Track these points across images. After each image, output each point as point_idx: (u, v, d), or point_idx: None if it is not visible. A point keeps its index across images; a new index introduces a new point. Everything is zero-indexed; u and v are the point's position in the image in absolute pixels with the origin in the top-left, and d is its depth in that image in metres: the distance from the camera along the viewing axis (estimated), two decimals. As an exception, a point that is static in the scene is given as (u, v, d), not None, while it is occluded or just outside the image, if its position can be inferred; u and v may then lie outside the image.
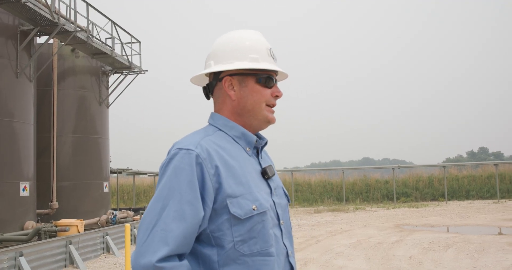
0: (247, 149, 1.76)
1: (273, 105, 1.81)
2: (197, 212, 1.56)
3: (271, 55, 1.81)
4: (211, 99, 1.86)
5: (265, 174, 1.76)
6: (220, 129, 1.76)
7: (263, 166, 1.78)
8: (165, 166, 1.62)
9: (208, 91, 1.84)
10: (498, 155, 66.68)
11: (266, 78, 1.77)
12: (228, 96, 1.77)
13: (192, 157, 1.59)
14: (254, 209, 1.62)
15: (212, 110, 1.85)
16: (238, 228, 1.60)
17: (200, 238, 1.61)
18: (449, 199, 26.75)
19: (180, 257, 1.56)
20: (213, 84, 1.81)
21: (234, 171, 1.65)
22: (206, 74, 1.86)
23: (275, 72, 1.81)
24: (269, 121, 1.81)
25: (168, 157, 1.63)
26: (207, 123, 1.82)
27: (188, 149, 1.61)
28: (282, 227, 1.75)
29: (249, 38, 1.81)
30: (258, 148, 1.81)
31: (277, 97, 1.81)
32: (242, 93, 1.76)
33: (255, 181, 1.70)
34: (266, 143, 1.86)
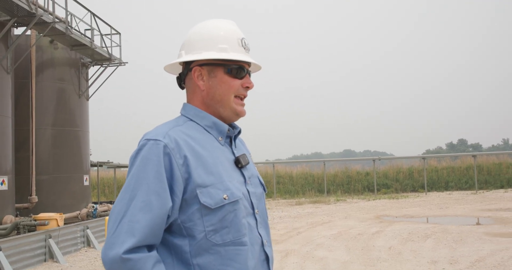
0: (220, 138, 1.76)
1: (244, 96, 1.80)
2: (164, 203, 1.55)
3: (243, 46, 1.79)
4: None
5: (238, 163, 1.75)
6: (191, 119, 1.76)
7: (237, 155, 1.77)
8: (134, 157, 1.62)
9: (181, 80, 1.84)
10: (477, 147, 67.64)
11: (236, 68, 1.75)
12: (198, 86, 1.77)
13: (159, 148, 1.59)
14: (225, 198, 1.62)
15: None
16: (209, 218, 1.60)
17: (172, 229, 1.61)
18: (428, 190, 27.07)
19: (150, 248, 1.55)
20: (184, 74, 1.81)
21: (204, 160, 1.64)
22: (180, 63, 1.85)
23: (248, 63, 1.79)
24: (238, 114, 1.79)
25: (137, 148, 1.64)
26: (179, 114, 1.82)
27: (156, 140, 1.61)
28: (257, 216, 1.75)
29: (220, 28, 1.79)
30: (231, 137, 1.80)
31: (247, 88, 1.79)
32: (210, 84, 1.75)
33: (227, 170, 1.69)
34: (239, 132, 1.85)
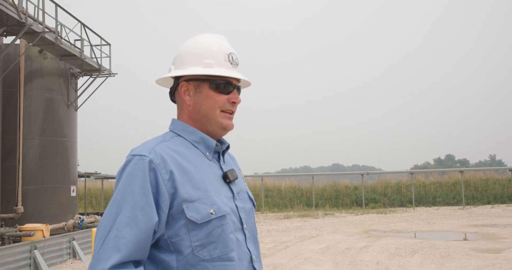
0: (207, 153, 1.75)
1: (231, 111, 1.79)
2: (150, 218, 1.54)
3: (229, 61, 1.78)
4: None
5: (226, 178, 1.74)
6: (178, 135, 1.75)
7: (225, 170, 1.76)
8: (120, 172, 1.62)
9: (171, 95, 1.85)
10: (464, 163, 68.07)
11: (221, 84, 1.74)
12: (184, 101, 1.77)
13: (145, 163, 1.59)
14: (212, 213, 1.61)
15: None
16: (196, 233, 1.59)
17: (159, 244, 1.60)
18: (416, 205, 27.16)
19: (137, 264, 1.54)
20: (173, 89, 1.82)
21: (190, 175, 1.64)
22: (172, 77, 1.84)
23: (237, 78, 1.78)
24: (225, 128, 1.78)
25: (123, 164, 1.63)
26: (168, 130, 1.82)
27: (141, 155, 1.61)
28: (245, 231, 1.73)
29: (207, 43, 1.79)
30: (219, 153, 1.80)
31: (234, 103, 1.78)
32: (196, 99, 1.75)
33: (214, 185, 1.69)
34: (228, 147, 1.85)
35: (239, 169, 1.93)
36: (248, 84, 1.92)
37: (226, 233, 1.63)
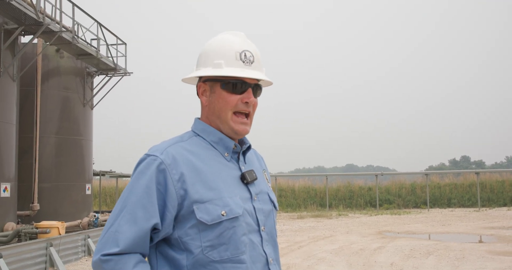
0: (226, 154, 1.75)
1: (247, 112, 1.75)
2: (150, 217, 1.57)
3: (241, 59, 1.73)
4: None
5: (244, 179, 1.73)
6: (198, 135, 1.77)
7: (243, 171, 1.75)
8: (134, 170, 1.67)
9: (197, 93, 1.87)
10: (480, 164, 67.42)
11: (232, 83, 1.71)
12: (202, 102, 1.80)
13: (154, 164, 1.62)
14: (223, 215, 1.61)
15: (197, 111, 1.88)
16: (206, 234, 1.60)
17: (171, 242, 1.62)
18: (431, 207, 26.94)
19: (136, 255, 1.60)
20: (196, 88, 1.84)
21: (203, 176, 1.64)
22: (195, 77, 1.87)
23: (244, 78, 1.73)
24: (236, 132, 1.75)
25: (137, 162, 1.68)
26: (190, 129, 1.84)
27: (153, 155, 1.64)
28: (262, 233, 1.72)
29: (219, 42, 1.77)
30: (238, 153, 1.79)
31: (247, 103, 1.73)
32: (211, 99, 1.76)
33: (229, 186, 1.68)
34: (249, 148, 1.83)
35: (263, 170, 1.91)
36: (269, 82, 1.86)
37: (238, 235, 1.63)
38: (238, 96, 1.72)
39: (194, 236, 1.59)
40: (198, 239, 1.59)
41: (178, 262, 1.60)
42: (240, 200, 1.67)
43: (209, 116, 1.78)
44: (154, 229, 1.60)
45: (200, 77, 1.80)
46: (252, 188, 1.74)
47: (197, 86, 1.83)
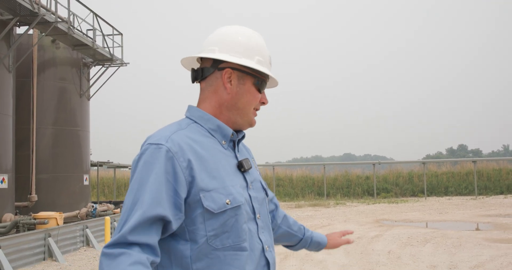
0: (223, 142, 1.74)
1: (258, 110, 1.83)
2: (162, 209, 1.53)
3: (270, 63, 1.83)
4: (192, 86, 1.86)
5: (241, 167, 1.74)
6: (195, 122, 1.74)
7: (240, 159, 1.76)
8: (136, 161, 1.62)
9: (201, 75, 1.78)
10: (477, 153, 67.65)
11: (263, 83, 1.78)
12: (224, 88, 1.74)
13: (161, 152, 1.57)
14: (227, 203, 1.61)
15: (192, 102, 1.83)
16: (212, 223, 1.59)
17: (175, 232, 1.59)
18: (428, 195, 27.06)
19: (143, 247, 1.51)
20: (210, 71, 1.76)
21: (207, 164, 1.63)
22: (198, 59, 1.83)
23: (267, 79, 1.82)
24: (251, 125, 1.82)
25: (139, 153, 1.63)
26: (184, 116, 1.80)
27: (158, 144, 1.60)
28: (258, 221, 1.73)
29: (259, 40, 1.81)
30: (234, 141, 1.79)
31: (263, 103, 1.83)
32: (238, 90, 1.74)
33: (230, 174, 1.68)
34: (243, 136, 1.84)
35: (252, 158, 1.93)
36: (273, 85, 1.95)
37: (240, 223, 1.63)
38: (260, 95, 1.79)
39: (199, 225, 1.58)
40: (203, 229, 1.58)
41: (181, 252, 1.59)
42: (240, 188, 1.68)
43: (226, 104, 1.75)
44: (165, 223, 1.55)
45: (219, 61, 1.75)
46: (247, 177, 1.76)
47: (219, 70, 1.75)
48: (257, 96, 1.78)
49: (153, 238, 1.52)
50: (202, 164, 1.62)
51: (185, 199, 1.58)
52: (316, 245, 2.31)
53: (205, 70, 1.77)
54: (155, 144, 1.60)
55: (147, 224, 1.51)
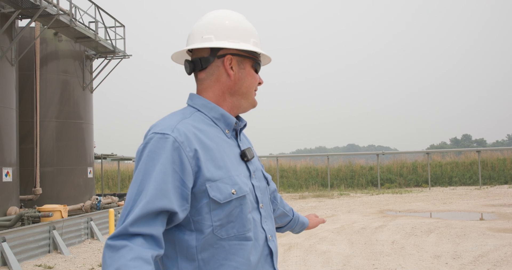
0: (226, 131, 1.73)
1: (256, 90, 1.85)
2: (168, 200, 1.51)
3: (260, 43, 1.85)
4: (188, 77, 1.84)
5: (244, 157, 1.73)
6: (198, 110, 1.72)
7: (242, 149, 1.75)
8: (141, 151, 1.59)
9: (201, 66, 1.75)
10: (481, 142, 67.48)
11: (259, 64, 1.80)
12: (227, 75, 1.73)
13: (168, 142, 1.55)
14: (233, 193, 1.60)
15: (194, 91, 1.81)
16: (217, 213, 1.58)
17: (180, 223, 1.58)
18: (432, 185, 27.04)
19: (147, 238, 1.49)
20: (210, 60, 1.74)
21: (212, 154, 1.61)
22: (188, 51, 1.82)
23: (260, 58, 1.85)
24: (254, 105, 1.84)
25: (144, 142, 1.59)
26: (186, 105, 1.78)
27: (163, 133, 1.57)
28: (261, 210, 1.73)
29: (247, 22, 1.81)
30: (237, 130, 1.78)
31: (259, 84, 1.85)
32: (240, 75, 1.74)
33: (234, 164, 1.67)
34: (245, 125, 1.84)
35: (252, 147, 1.93)
36: (265, 63, 1.97)
37: (244, 213, 1.63)
38: (257, 76, 1.81)
39: (204, 215, 1.57)
40: (209, 219, 1.57)
41: (186, 243, 1.58)
42: (244, 178, 1.68)
43: (230, 90, 1.74)
44: (170, 214, 1.53)
45: (215, 50, 1.73)
46: (250, 166, 1.75)
47: (218, 57, 1.73)
48: (257, 77, 1.80)
49: (157, 229, 1.50)
50: (208, 154, 1.60)
51: (192, 189, 1.57)
52: (301, 225, 2.40)
53: (204, 60, 1.74)
54: (161, 133, 1.57)
55: (152, 215, 1.49)
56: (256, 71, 1.79)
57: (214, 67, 1.74)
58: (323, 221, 2.54)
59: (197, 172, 1.57)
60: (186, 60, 1.79)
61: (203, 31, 1.75)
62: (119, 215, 12.40)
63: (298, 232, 2.43)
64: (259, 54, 1.80)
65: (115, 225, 10.60)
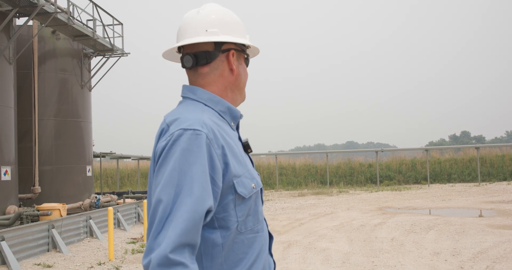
0: (232, 124, 1.72)
1: None
2: (208, 198, 1.45)
3: None
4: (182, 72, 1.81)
5: (248, 148, 1.72)
6: (206, 105, 1.67)
7: (243, 141, 1.74)
8: (169, 148, 1.48)
9: (206, 60, 1.68)
10: (480, 139, 67.51)
11: (248, 57, 1.81)
12: (230, 70, 1.71)
13: (201, 139, 1.48)
14: (253, 187, 1.60)
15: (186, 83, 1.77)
16: (241, 208, 1.57)
17: None
18: (431, 182, 27.05)
19: (193, 249, 1.42)
20: (216, 55, 1.69)
21: (233, 149, 1.58)
22: (177, 50, 1.78)
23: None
24: (244, 100, 1.83)
25: (172, 139, 1.49)
26: (184, 98, 1.71)
27: (194, 129, 1.49)
28: (263, 200, 1.75)
29: (236, 17, 1.79)
30: (238, 123, 1.78)
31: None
32: (239, 70, 1.74)
33: (245, 157, 1.66)
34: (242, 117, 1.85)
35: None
36: (253, 55, 1.96)
37: (258, 205, 1.65)
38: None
39: (230, 212, 1.54)
40: (234, 215, 1.55)
41: (212, 241, 1.53)
42: (255, 170, 1.69)
43: (231, 86, 1.73)
44: (208, 212, 1.48)
45: (218, 44, 1.68)
46: (251, 158, 1.77)
47: (223, 52, 1.69)
48: (247, 72, 1.80)
49: (200, 234, 1.45)
50: (230, 149, 1.57)
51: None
52: None
53: (209, 55, 1.68)
54: (191, 129, 1.49)
55: (199, 220, 1.42)
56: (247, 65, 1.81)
57: (219, 62, 1.69)
58: None
59: (225, 168, 1.53)
60: (188, 54, 1.70)
61: (206, 24, 1.69)
62: (118, 213, 12.40)
63: None
64: (247, 48, 1.80)
65: (114, 224, 10.53)
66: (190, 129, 1.49)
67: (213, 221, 1.52)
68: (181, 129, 1.49)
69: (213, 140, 1.50)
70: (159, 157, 1.50)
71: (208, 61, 1.68)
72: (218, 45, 1.69)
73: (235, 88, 1.74)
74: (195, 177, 1.43)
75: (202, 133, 1.48)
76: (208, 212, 1.47)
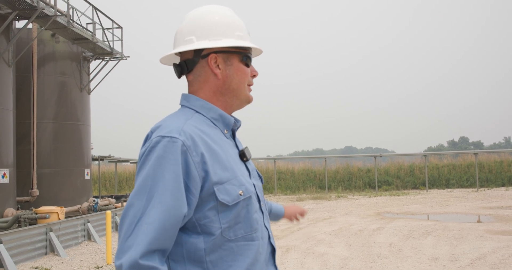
0: (225, 131, 1.71)
1: (251, 85, 1.79)
2: (181, 205, 1.48)
3: (249, 33, 1.77)
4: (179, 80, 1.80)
5: (244, 157, 1.71)
6: (197, 112, 1.68)
7: (240, 149, 1.74)
8: (146, 154, 1.52)
9: (187, 68, 1.71)
10: (478, 145, 67.58)
11: (249, 57, 1.73)
12: (214, 74, 1.69)
13: (176, 146, 1.50)
14: (240, 194, 1.58)
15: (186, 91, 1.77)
16: (226, 215, 1.56)
17: (185, 226, 1.55)
18: (429, 188, 27.05)
19: (163, 253, 1.48)
20: (195, 62, 1.69)
21: (218, 156, 1.58)
22: (177, 53, 1.76)
23: (251, 51, 1.77)
24: (249, 101, 1.78)
25: (149, 145, 1.53)
26: (181, 106, 1.74)
27: (171, 137, 1.51)
28: (262, 209, 1.72)
29: (231, 15, 1.75)
30: (234, 130, 1.77)
31: (254, 76, 1.78)
32: (227, 72, 1.69)
33: (237, 164, 1.65)
34: (239, 126, 1.82)
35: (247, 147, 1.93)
36: (256, 54, 1.89)
37: (251, 213, 1.62)
38: (249, 70, 1.75)
39: (213, 218, 1.54)
40: (217, 221, 1.54)
41: (194, 245, 1.54)
42: (248, 178, 1.67)
43: (220, 90, 1.70)
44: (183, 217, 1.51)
45: (199, 50, 1.68)
46: (248, 166, 1.74)
47: (202, 58, 1.69)
48: (247, 72, 1.73)
49: (173, 241, 1.50)
50: (214, 156, 1.57)
51: (199, 195, 1.53)
52: (274, 216, 2.36)
53: (189, 63, 1.71)
54: (168, 136, 1.51)
55: (170, 227, 1.46)
56: (247, 65, 1.73)
57: (200, 68, 1.69)
58: (303, 211, 2.51)
59: (204, 177, 1.53)
60: (174, 64, 1.75)
61: (185, 32, 1.71)
62: (116, 217, 12.38)
63: (273, 221, 2.38)
64: (249, 46, 1.73)
65: (113, 228, 10.53)
66: (168, 137, 1.51)
67: (195, 227, 1.54)
68: (159, 136, 1.52)
69: (190, 147, 1.51)
70: (138, 162, 1.56)
71: (189, 69, 1.70)
72: (197, 52, 1.69)
73: (226, 92, 1.71)
74: (168, 184, 1.46)
75: (179, 140, 1.50)
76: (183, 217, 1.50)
